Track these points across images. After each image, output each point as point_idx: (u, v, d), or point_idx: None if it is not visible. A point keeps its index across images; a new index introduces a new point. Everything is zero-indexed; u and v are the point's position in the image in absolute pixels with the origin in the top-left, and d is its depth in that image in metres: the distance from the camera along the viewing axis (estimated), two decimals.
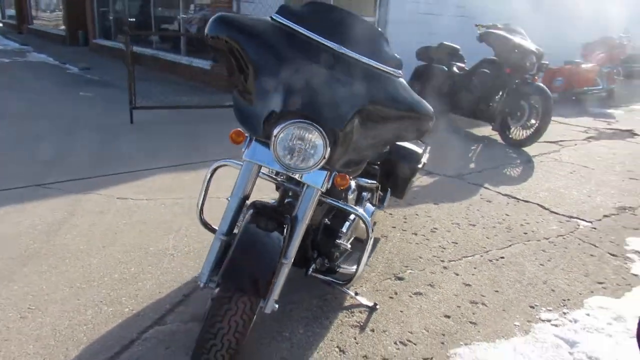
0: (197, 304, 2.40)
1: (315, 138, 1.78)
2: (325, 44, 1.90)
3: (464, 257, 3.04)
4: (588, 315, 2.46)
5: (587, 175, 4.91)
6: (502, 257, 3.05)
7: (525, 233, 3.44)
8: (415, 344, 2.19)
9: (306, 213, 1.95)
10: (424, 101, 2.05)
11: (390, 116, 1.97)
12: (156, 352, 2.05)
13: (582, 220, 3.73)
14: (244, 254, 1.68)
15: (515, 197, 4.16)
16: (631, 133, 7.01)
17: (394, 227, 3.39)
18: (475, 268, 2.90)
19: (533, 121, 5.66)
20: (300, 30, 1.92)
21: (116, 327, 2.21)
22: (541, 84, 5.75)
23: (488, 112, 6.10)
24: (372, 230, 2.10)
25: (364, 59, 1.93)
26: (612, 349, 2.20)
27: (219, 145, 5.21)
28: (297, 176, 1.94)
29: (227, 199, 2.27)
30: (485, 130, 6.51)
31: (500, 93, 6.02)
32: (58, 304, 2.34)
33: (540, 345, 2.21)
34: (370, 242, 2.10)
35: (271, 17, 1.99)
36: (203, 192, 2.27)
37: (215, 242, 1.92)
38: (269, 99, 1.85)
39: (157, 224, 3.25)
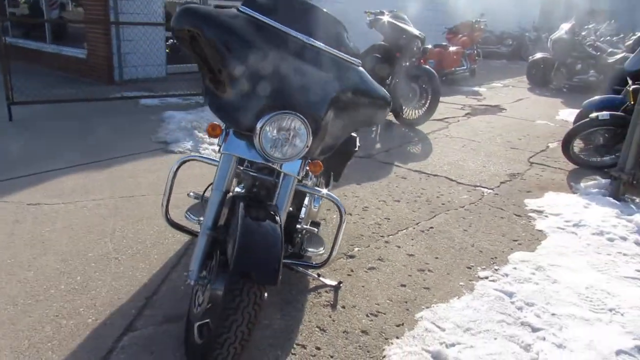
0: (164, 305, 2.33)
1: (299, 128, 1.84)
2: (295, 35, 1.96)
3: (399, 230, 3.30)
4: (515, 269, 2.85)
5: (476, 148, 5.51)
6: (432, 227, 3.38)
7: (443, 204, 3.81)
8: (384, 314, 2.38)
9: (286, 201, 2.01)
10: (383, 88, 2.21)
11: (359, 103, 2.10)
12: (141, 357, 1.99)
13: (485, 188, 4.22)
14: (251, 245, 1.68)
15: (424, 172, 4.56)
16: (499, 108, 7.94)
17: (329, 210, 3.55)
18: (412, 239, 3.18)
19: (424, 101, 6.16)
20: (270, 23, 1.95)
21: (86, 339, 2.08)
22: (427, 66, 6.27)
23: None
24: (344, 211, 2.22)
25: (331, 50, 2.03)
26: (540, 294, 2.60)
27: (121, 140, 4.92)
28: (276, 166, 1.98)
29: (189, 194, 2.24)
30: None
31: (391, 77, 6.43)
32: (7, 325, 2.13)
33: (486, 299, 2.53)
34: (344, 222, 2.22)
35: (237, 9, 1.99)
36: (168, 190, 2.21)
37: (201, 238, 1.90)
38: (247, 92, 1.86)
39: (87, 228, 3.04)
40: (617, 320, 2.39)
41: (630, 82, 5.08)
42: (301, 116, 1.82)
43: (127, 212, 3.29)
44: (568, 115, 7.37)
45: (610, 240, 3.23)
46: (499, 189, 4.21)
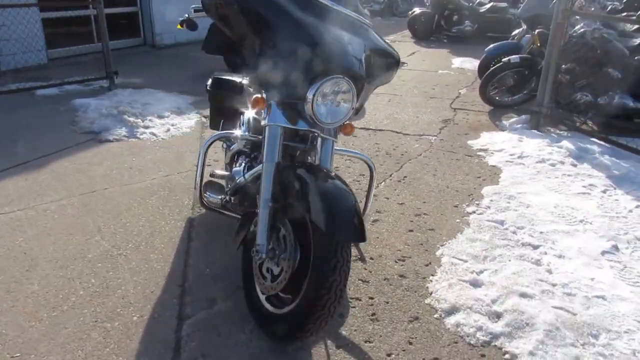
0: (201, 289, 2.29)
1: (348, 90, 1.90)
2: (322, 1, 1.98)
3: (379, 183, 3.49)
4: (492, 201, 3.21)
5: (401, 101, 5.86)
6: (405, 177, 3.62)
7: (402, 154, 4.07)
8: (410, 257, 2.57)
9: (330, 164, 2.07)
10: (393, 47, 2.33)
11: (379, 63, 2.19)
12: (212, 340, 1.97)
13: (429, 135, 4.57)
14: (335, 206, 1.72)
15: (370, 129, 4.78)
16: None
17: None
18: (395, 190, 3.39)
19: None
20: None
21: (144, 336, 1.99)
22: None
23: None
24: (375, 169, 2.34)
25: (354, 15, 2.09)
26: (523, 218, 2.97)
27: (40, 136, 4.44)
28: (319, 132, 2.02)
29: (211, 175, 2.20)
30: None
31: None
32: (46, 341, 1.96)
33: (485, 230, 2.84)
34: (374, 180, 2.34)
35: None
36: (200, 171, 2.15)
37: (263, 211, 1.89)
38: (293, 60, 1.86)
39: (66, 231, 2.79)
40: (590, 229, 2.84)
41: (524, 26, 5.71)
42: (348, 79, 1.87)
43: (99, 207, 3.07)
44: (461, 63, 8.06)
45: (552, 165, 3.73)
46: (441, 135, 4.58)
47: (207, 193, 2.43)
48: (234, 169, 2.45)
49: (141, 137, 4.38)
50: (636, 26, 5.15)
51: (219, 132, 2.28)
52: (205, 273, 2.42)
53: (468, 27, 10.65)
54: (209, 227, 2.86)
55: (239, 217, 2.29)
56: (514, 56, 5.11)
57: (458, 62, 8.24)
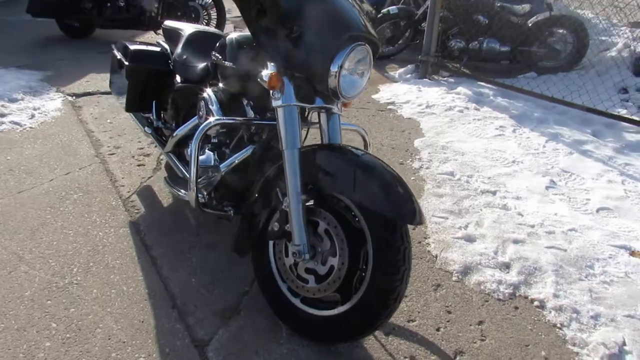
0: (199, 305, 1.96)
1: (368, 58, 1.71)
2: None
3: None
4: (429, 153, 3.30)
5: None
6: None
7: None
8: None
9: (340, 139, 1.88)
10: None
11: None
12: None
13: None
14: (389, 185, 1.56)
15: None
16: None
17: None
18: None
19: (210, 19, 5.81)
20: None
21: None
22: None
23: (152, 20, 5.82)
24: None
25: None
26: (465, 166, 3.12)
27: None
28: (333, 107, 1.81)
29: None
30: (153, 38, 6.23)
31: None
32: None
33: (442, 183, 2.92)
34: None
35: None
36: (195, 167, 1.78)
37: (296, 206, 1.64)
38: (309, 30, 1.60)
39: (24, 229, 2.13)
40: (524, 167, 3.11)
41: None
42: (368, 46, 1.68)
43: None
44: None
45: (460, 112, 3.97)
46: None
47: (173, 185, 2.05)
48: (201, 158, 2.09)
49: (1, 128, 3.50)
50: None
51: (218, 118, 1.88)
52: (192, 283, 2.07)
53: None
54: (160, 227, 2.43)
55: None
56: (392, 7, 5.22)
57: None
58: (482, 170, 3.05)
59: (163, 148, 2.55)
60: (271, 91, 1.66)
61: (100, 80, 4.59)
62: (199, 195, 2.00)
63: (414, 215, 1.53)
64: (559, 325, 1.90)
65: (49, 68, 4.86)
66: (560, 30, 4.83)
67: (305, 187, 1.66)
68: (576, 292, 2.05)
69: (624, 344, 1.80)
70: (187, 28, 2.63)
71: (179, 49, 2.48)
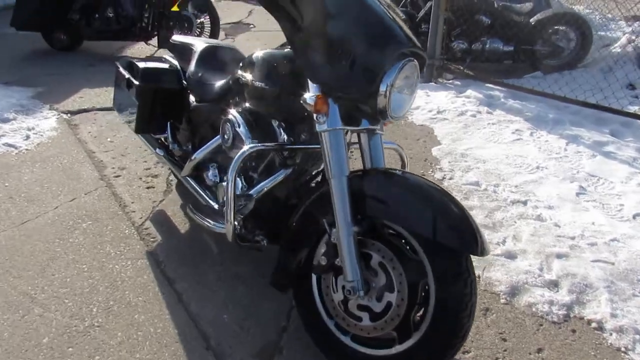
0: (236, 346, 1.81)
1: (417, 74, 1.58)
2: None
3: None
4: (449, 162, 3.18)
5: None
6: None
7: None
8: None
9: (384, 160, 1.75)
10: None
11: None
12: None
13: None
14: (450, 213, 1.43)
15: None
16: (243, 23, 7.88)
17: None
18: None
19: (204, 27, 5.64)
20: None
21: None
22: None
23: (143, 30, 5.63)
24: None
25: None
26: (489, 174, 3.01)
27: None
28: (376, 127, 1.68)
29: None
30: (143, 49, 6.04)
31: (147, 6, 5.58)
32: None
33: (469, 195, 2.80)
34: None
35: None
36: (232, 196, 1.63)
37: (347, 239, 1.50)
38: (354, 45, 1.46)
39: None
40: (549, 173, 3.00)
41: None
42: (416, 61, 1.55)
43: (6, 265, 2.21)
44: None
45: (473, 116, 3.86)
46: None
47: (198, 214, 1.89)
48: (224, 184, 1.94)
49: None
50: None
51: (255, 144, 1.72)
52: (224, 320, 1.91)
53: None
54: (180, 257, 2.27)
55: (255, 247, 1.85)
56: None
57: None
58: (508, 178, 2.94)
59: (177, 171, 2.39)
60: (315, 115, 1.52)
61: (94, 96, 4.40)
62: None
63: (479, 245, 1.40)
64: (622, 349, 1.79)
65: (39, 84, 4.65)
66: (563, 28, 4.76)
67: (354, 216, 1.52)
68: (634, 310, 1.94)
69: None
70: (198, 43, 2.47)
71: (192, 66, 2.33)
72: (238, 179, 1.95)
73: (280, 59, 1.73)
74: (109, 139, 3.54)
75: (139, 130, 2.47)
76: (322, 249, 1.62)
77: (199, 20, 5.52)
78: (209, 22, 5.58)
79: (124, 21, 5.33)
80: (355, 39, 1.44)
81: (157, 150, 2.52)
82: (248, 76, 1.83)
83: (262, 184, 1.85)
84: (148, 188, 2.88)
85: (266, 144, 1.72)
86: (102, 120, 3.88)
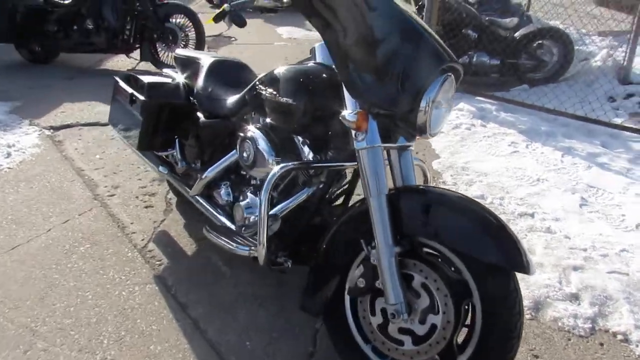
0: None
1: (454, 89, 1.55)
2: None
3: None
4: (452, 176, 3.17)
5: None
6: None
7: None
8: None
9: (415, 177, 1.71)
10: None
11: None
12: None
13: None
14: (494, 230, 1.40)
15: None
16: (224, 36, 7.80)
17: None
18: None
19: (189, 40, 5.53)
20: None
21: None
22: (178, 1, 5.57)
23: (125, 42, 5.48)
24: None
25: None
26: (492, 187, 3.01)
27: None
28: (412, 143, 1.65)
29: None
30: (124, 62, 5.88)
31: (129, 18, 5.45)
32: None
33: None
34: None
35: None
36: (265, 218, 1.56)
37: (388, 260, 1.45)
38: (400, 64, 1.42)
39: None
40: (551, 185, 3.03)
41: None
42: (453, 75, 1.52)
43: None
44: (289, 33, 7.87)
45: (468, 129, 3.88)
46: None
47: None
48: (242, 203, 1.87)
49: None
50: None
51: (285, 162, 1.65)
52: (248, 348, 1.83)
53: None
54: (190, 280, 2.17)
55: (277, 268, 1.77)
56: None
57: (285, 32, 8.02)
58: (511, 191, 2.95)
59: (183, 189, 2.30)
60: (354, 132, 1.47)
61: (77, 111, 4.23)
62: (252, 248, 1.78)
63: (526, 262, 1.37)
64: None
65: (16, 98, 4.45)
66: (547, 42, 4.87)
67: (395, 236, 1.47)
68: None
69: None
70: (204, 57, 2.40)
71: (201, 81, 2.25)
72: (254, 197, 1.88)
73: (306, 75, 1.68)
74: (97, 156, 3.40)
75: (142, 147, 2.36)
76: (358, 270, 1.56)
77: (183, 33, 5.41)
78: (194, 35, 5.47)
79: (104, 33, 5.17)
80: (398, 55, 1.40)
81: (160, 168, 2.42)
82: (270, 91, 1.76)
83: (284, 203, 1.79)
84: (147, 207, 2.76)
85: (298, 162, 1.65)
86: (87, 136, 3.73)
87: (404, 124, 1.49)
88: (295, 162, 1.64)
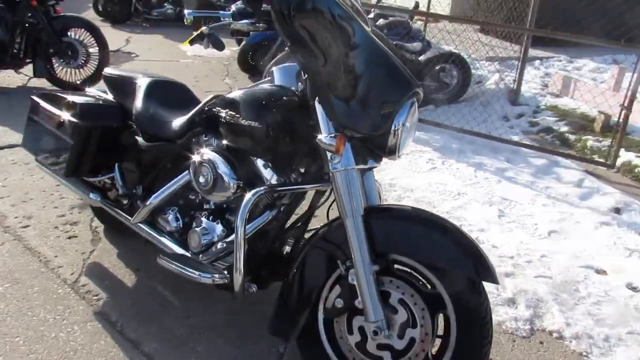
0: None
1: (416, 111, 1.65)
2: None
3: None
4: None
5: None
6: None
7: None
8: None
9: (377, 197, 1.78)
10: None
11: None
12: None
13: None
14: (462, 242, 1.50)
15: None
16: (123, 52, 7.43)
17: None
18: None
19: (90, 56, 5.18)
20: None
21: None
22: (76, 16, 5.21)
23: (14, 57, 5.01)
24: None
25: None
26: (419, 202, 3.19)
27: None
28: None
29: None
30: (11, 79, 5.35)
31: (19, 32, 4.99)
32: None
33: None
34: None
35: None
36: (242, 249, 1.51)
37: (366, 278, 1.49)
38: (371, 88, 1.49)
39: None
40: (471, 199, 3.27)
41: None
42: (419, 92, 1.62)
43: None
44: (194, 50, 7.68)
45: None
46: None
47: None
48: (198, 229, 1.82)
49: None
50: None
51: (265, 186, 1.60)
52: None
53: (170, 9, 10.16)
54: (137, 313, 2.04)
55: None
56: None
57: (188, 49, 7.81)
58: (437, 205, 3.14)
59: (121, 216, 2.15)
60: (329, 154, 1.50)
61: None
62: (214, 275, 1.71)
63: (493, 273, 1.48)
64: (584, 353, 2.00)
65: None
66: (448, 66, 5.28)
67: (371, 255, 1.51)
68: (580, 317, 2.18)
69: None
70: (139, 77, 2.28)
71: (139, 102, 2.13)
72: (215, 223, 1.83)
73: (269, 97, 1.68)
74: (0, 184, 3.05)
75: (71, 173, 2.18)
76: (334, 290, 1.58)
77: (84, 49, 5.06)
78: (97, 51, 5.13)
79: None
80: (373, 81, 1.47)
81: (91, 195, 2.24)
82: (230, 113, 1.72)
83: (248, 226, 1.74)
84: (70, 238, 2.53)
85: (270, 186, 1.63)
86: None
87: (375, 147, 1.54)
88: (266, 186, 1.62)
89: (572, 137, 4.59)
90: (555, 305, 2.24)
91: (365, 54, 1.46)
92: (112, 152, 2.21)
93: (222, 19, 1.79)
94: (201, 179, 1.78)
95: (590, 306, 2.27)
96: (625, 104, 3.64)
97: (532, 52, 6.28)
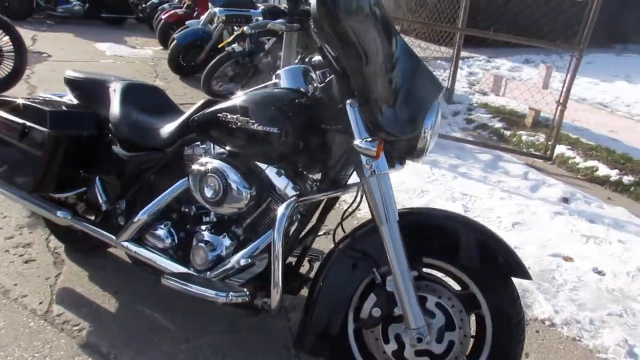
0: None
1: None
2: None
3: None
4: None
5: None
6: None
7: None
8: None
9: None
10: None
11: None
12: None
13: None
14: (493, 242, 1.52)
15: None
16: (39, 52, 6.78)
17: None
18: None
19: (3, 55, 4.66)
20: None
21: None
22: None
23: None
24: None
25: None
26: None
27: None
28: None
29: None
30: None
31: None
32: None
33: None
34: None
35: None
36: (280, 260, 1.43)
37: (406, 284, 1.46)
38: (405, 91, 1.49)
39: None
40: (435, 196, 3.35)
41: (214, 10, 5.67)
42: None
43: None
44: (113, 50, 7.22)
45: None
46: None
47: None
48: (202, 245, 1.70)
49: None
50: None
51: (295, 195, 1.50)
52: None
53: (77, 6, 9.45)
54: (128, 339, 1.84)
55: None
56: (236, 45, 5.03)
57: (106, 48, 7.31)
58: (407, 204, 3.18)
59: (100, 235, 1.95)
60: (364, 160, 1.44)
61: None
62: (230, 293, 1.59)
63: (522, 266, 1.52)
64: (577, 338, 2.11)
65: None
66: None
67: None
68: (564, 304, 2.31)
69: (626, 340, 2.11)
70: (111, 79, 2.08)
71: (117, 108, 1.94)
72: (221, 237, 1.71)
73: (282, 100, 1.59)
74: None
75: (39, 189, 1.94)
76: (367, 300, 1.53)
77: (1, 57, 4.53)
78: (12, 50, 4.62)
79: None
80: (408, 84, 1.45)
81: (59, 213, 2.00)
82: (242, 119, 1.61)
83: (259, 240, 1.65)
84: (27, 262, 2.25)
85: (307, 194, 1.55)
86: None
87: (404, 149, 1.52)
88: (295, 195, 1.53)
89: (507, 132, 4.87)
90: (540, 294, 2.34)
91: (402, 55, 1.43)
92: (84, 164, 1.99)
93: (253, 18, 1.66)
94: (207, 191, 1.64)
95: (570, 292, 2.40)
96: (561, 101, 3.92)
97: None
